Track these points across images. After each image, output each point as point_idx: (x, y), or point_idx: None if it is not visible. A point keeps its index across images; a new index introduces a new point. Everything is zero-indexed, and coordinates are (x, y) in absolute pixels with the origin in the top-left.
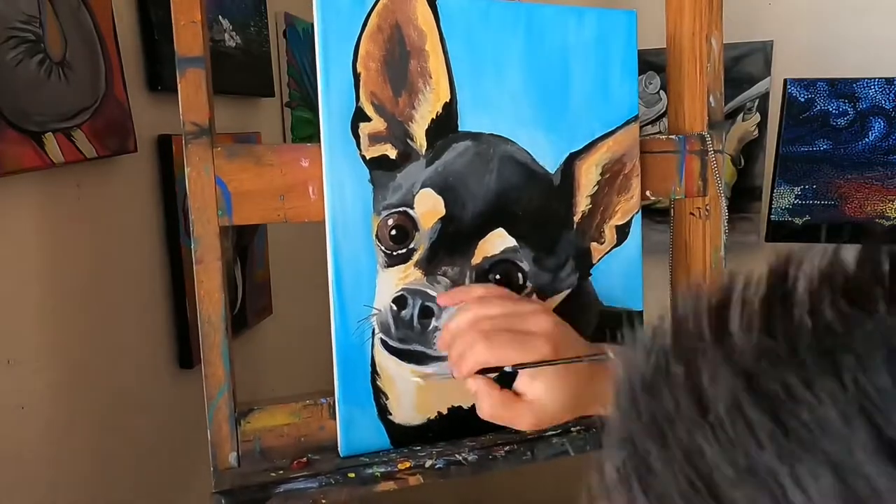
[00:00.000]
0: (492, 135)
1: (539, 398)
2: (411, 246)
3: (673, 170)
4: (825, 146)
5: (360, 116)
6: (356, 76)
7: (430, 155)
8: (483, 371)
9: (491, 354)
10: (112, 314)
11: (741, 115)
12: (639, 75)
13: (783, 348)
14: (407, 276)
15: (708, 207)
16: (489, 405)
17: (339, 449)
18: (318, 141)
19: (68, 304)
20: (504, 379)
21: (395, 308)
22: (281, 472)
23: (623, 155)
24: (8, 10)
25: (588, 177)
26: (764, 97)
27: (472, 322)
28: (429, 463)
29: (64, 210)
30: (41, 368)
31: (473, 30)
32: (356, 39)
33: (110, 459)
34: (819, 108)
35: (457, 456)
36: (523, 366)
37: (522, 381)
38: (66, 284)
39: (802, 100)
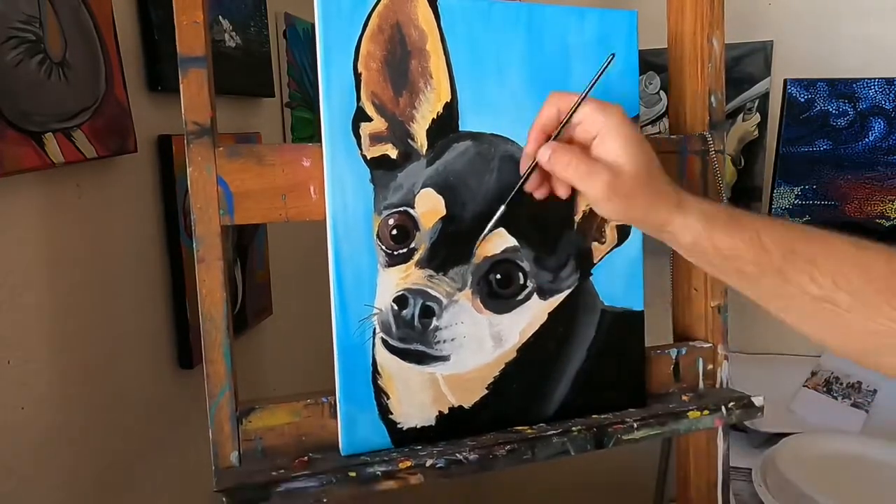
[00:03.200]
0: (493, 134)
1: (617, 158)
2: (412, 245)
3: (674, 170)
4: (825, 146)
5: (360, 116)
6: (357, 76)
7: (430, 155)
8: None
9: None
10: (112, 314)
11: (741, 115)
12: (639, 75)
13: None
14: (408, 275)
15: None
16: (566, 159)
17: (340, 448)
18: (319, 141)
19: (68, 304)
20: None
21: (395, 308)
22: (282, 471)
23: None
24: (8, 10)
25: None
26: (764, 97)
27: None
28: (429, 462)
29: (64, 210)
30: (41, 368)
31: (474, 30)
32: (357, 40)
33: (110, 459)
34: (819, 108)
35: (457, 455)
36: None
37: (598, 145)
38: (67, 284)
39: (802, 100)
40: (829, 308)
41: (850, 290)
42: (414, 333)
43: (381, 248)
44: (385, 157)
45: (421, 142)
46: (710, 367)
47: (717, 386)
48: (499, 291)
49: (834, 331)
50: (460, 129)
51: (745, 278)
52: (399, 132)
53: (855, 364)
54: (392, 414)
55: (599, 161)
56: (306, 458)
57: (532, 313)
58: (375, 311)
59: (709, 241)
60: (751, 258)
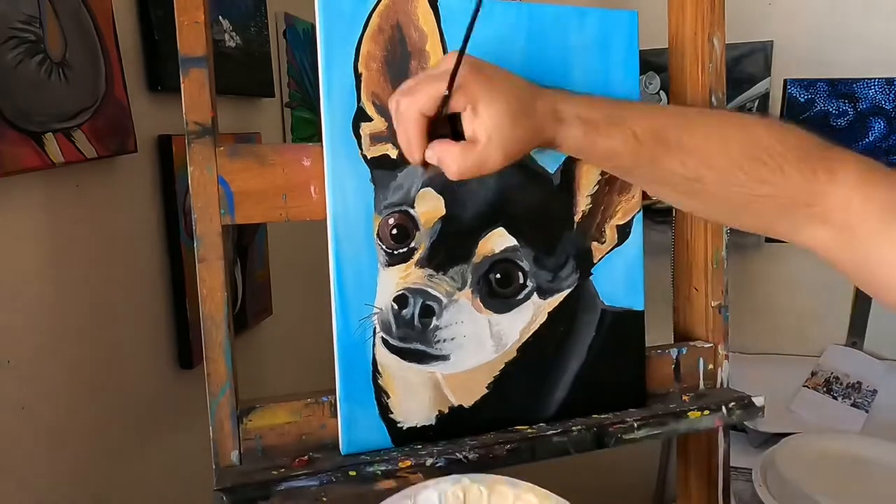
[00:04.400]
0: None
1: (489, 134)
2: (412, 245)
3: None
4: None
5: (361, 116)
6: (357, 76)
7: None
8: (431, 138)
9: (417, 97)
10: (112, 314)
11: None
12: (639, 75)
13: None
14: (408, 275)
15: None
16: (453, 160)
17: (340, 447)
18: (320, 141)
19: (68, 304)
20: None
21: (396, 307)
22: (282, 470)
23: None
24: (8, 10)
25: (588, 177)
26: (764, 97)
27: (393, 107)
28: (429, 461)
29: (64, 210)
30: (41, 368)
31: (475, 30)
32: (357, 40)
33: (110, 459)
34: (819, 108)
35: (457, 455)
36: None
37: (468, 125)
38: (66, 284)
39: (802, 100)
40: (698, 185)
41: (714, 166)
42: (414, 333)
43: (382, 248)
44: (385, 156)
45: None
46: (711, 367)
47: (718, 386)
48: (498, 291)
49: (701, 202)
50: None
51: (623, 171)
52: None
53: (855, 364)
54: (392, 413)
55: (478, 144)
56: (306, 457)
57: (532, 313)
58: (375, 310)
59: (590, 146)
60: (628, 154)
